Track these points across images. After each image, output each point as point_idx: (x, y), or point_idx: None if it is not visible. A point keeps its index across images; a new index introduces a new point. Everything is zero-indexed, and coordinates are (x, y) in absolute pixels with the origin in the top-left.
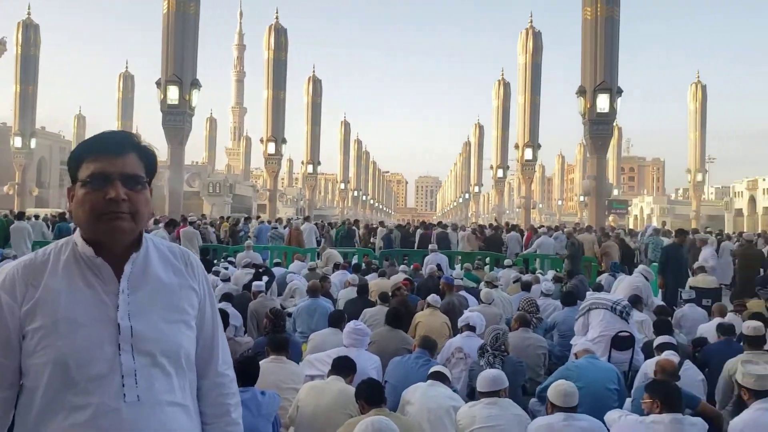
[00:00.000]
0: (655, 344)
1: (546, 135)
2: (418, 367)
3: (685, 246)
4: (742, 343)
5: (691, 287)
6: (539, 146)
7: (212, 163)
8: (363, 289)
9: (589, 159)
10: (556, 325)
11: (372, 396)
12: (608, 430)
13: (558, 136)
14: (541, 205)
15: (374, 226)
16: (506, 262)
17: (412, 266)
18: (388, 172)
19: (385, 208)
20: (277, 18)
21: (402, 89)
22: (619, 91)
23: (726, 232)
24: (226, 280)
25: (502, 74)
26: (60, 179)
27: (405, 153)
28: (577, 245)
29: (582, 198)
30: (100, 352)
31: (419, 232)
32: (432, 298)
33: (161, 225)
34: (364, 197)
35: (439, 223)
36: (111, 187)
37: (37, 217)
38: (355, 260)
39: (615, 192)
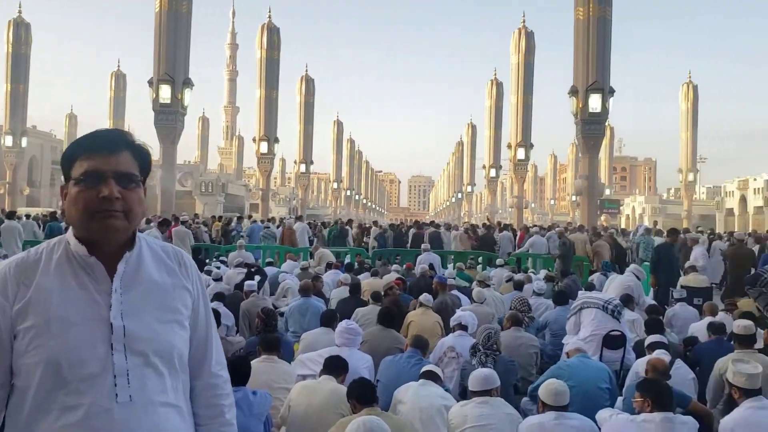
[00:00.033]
0: (646, 343)
1: (538, 135)
2: (410, 366)
3: (676, 245)
4: (732, 342)
5: (682, 286)
6: (532, 146)
7: (204, 162)
8: (355, 288)
9: (581, 159)
10: (548, 324)
11: (363, 395)
12: (599, 428)
13: (550, 136)
14: (533, 205)
15: (367, 225)
16: (498, 261)
17: (404, 266)
18: (380, 171)
19: (377, 208)
20: (269, 17)
21: (395, 89)
22: (611, 91)
23: (717, 231)
24: (218, 279)
25: (495, 74)
26: (51, 178)
27: (398, 152)
28: (568, 245)
29: (574, 197)
30: (93, 351)
31: (412, 231)
32: (424, 297)
33: (153, 224)
34: (356, 197)
35: (432, 222)
36: (104, 185)
37: (28, 216)
38: (347, 260)
39: (607, 192)
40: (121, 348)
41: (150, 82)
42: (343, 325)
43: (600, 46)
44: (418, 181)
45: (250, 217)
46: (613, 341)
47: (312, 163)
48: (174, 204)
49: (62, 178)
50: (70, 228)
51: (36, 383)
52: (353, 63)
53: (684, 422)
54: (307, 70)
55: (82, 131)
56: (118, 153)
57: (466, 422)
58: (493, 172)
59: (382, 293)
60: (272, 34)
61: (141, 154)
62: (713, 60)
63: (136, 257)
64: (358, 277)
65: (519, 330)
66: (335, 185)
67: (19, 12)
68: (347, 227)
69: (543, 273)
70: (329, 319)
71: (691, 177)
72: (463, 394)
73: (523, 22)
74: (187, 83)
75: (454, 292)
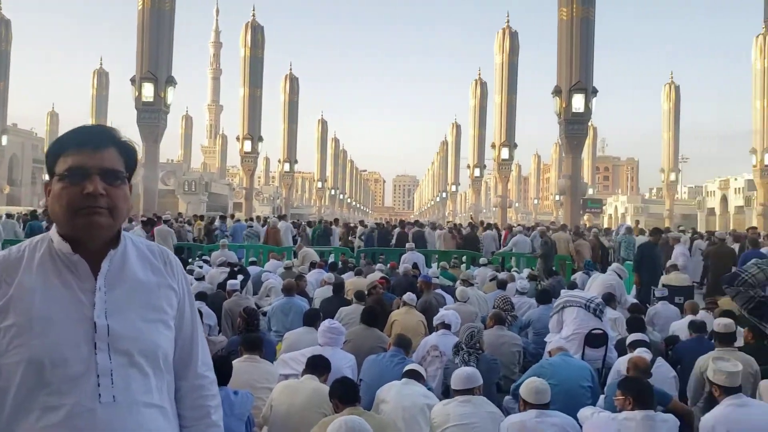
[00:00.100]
0: (628, 341)
1: (522, 134)
2: (393, 365)
3: (659, 245)
4: (713, 341)
5: (663, 285)
6: (515, 146)
7: (188, 161)
8: (339, 287)
9: (564, 158)
10: (531, 323)
11: (346, 395)
12: (581, 426)
13: (534, 136)
14: (517, 204)
15: (353, 225)
16: (482, 260)
17: (388, 265)
18: (365, 170)
19: (362, 207)
20: (253, 15)
21: (380, 88)
22: (594, 91)
23: (698, 231)
24: (201, 279)
25: (479, 74)
26: (32, 177)
27: (382, 152)
28: (550, 244)
29: (557, 197)
30: (76, 351)
31: (397, 230)
32: (408, 296)
33: (134, 223)
34: (341, 196)
35: (416, 221)
36: (89, 182)
37: (9, 215)
38: (331, 259)
39: (590, 191)
40: (104, 347)
41: (133, 80)
42: (325, 324)
43: (583, 46)
44: (402, 181)
45: (233, 216)
46: (595, 340)
47: (296, 162)
48: (156, 203)
49: (44, 176)
50: (54, 225)
51: (17, 383)
52: (338, 62)
53: (665, 420)
54: (291, 69)
55: (63, 129)
56: (104, 149)
57: (449, 421)
58: (477, 172)
59: (366, 292)
60: (256, 32)
61: (127, 151)
62: (695, 61)
63: (120, 255)
64: (342, 276)
65: (502, 329)
66: (320, 184)
67: None
68: (332, 226)
69: (526, 272)
70: (312, 319)
71: (672, 177)
72: (446, 392)
73: (507, 22)
74: (170, 81)
75: (439, 291)
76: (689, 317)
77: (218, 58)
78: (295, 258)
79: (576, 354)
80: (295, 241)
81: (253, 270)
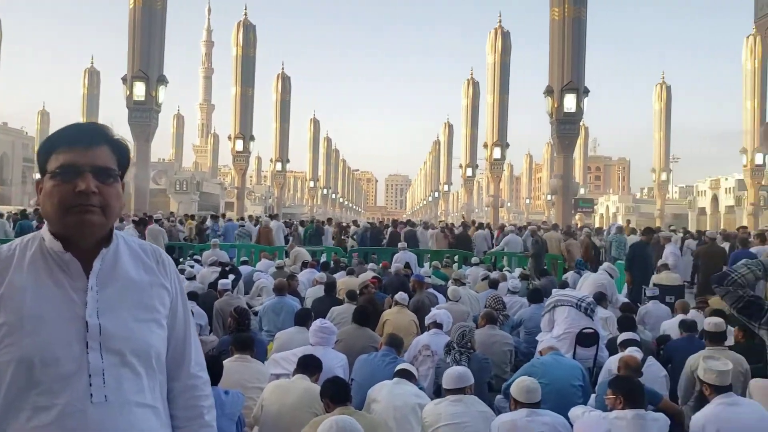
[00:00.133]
0: (618, 341)
1: (514, 134)
2: (384, 365)
3: (651, 244)
4: (703, 340)
5: (654, 284)
6: (508, 145)
7: (179, 160)
8: (330, 287)
9: (556, 158)
10: (522, 322)
11: (337, 394)
12: (572, 425)
13: (526, 136)
14: (509, 204)
15: (346, 224)
16: (474, 260)
17: (380, 264)
18: (357, 170)
19: (354, 207)
20: (246, 14)
21: (372, 87)
22: (586, 91)
23: (690, 230)
24: (192, 278)
25: (471, 73)
26: (23, 176)
27: (375, 151)
28: (540, 243)
29: (549, 197)
30: (67, 350)
31: (389, 230)
32: (400, 295)
33: (126, 223)
34: (333, 195)
35: (409, 221)
36: (81, 180)
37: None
38: (323, 258)
39: (581, 191)
40: (96, 347)
41: (124, 79)
42: (317, 324)
43: (575, 46)
44: (395, 180)
45: (224, 215)
46: (586, 339)
47: (288, 161)
48: (148, 202)
49: (34, 175)
50: (45, 224)
51: (8, 382)
52: (330, 61)
53: (655, 419)
54: (283, 68)
55: (54, 128)
56: (96, 147)
57: (440, 420)
58: (469, 172)
59: (358, 292)
60: (248, 31)
61: (119, 149)
62: (686, 61)
63: (112, 254)
64: (334, 275)
65: (494, 328)
66: (312, 184)
67: None
68: (324, 226)
69: (518, 271)
70: (304, 318)
71: (664, 176)
72: (438, 392)
73: (500, 22)
74: (162, 80)
75: (431, 290)
76: (680, 316)
77: (210, 57)
78: (286, 257)
79: (567, 353)
80: (287, 241)
81: (244, 269)
